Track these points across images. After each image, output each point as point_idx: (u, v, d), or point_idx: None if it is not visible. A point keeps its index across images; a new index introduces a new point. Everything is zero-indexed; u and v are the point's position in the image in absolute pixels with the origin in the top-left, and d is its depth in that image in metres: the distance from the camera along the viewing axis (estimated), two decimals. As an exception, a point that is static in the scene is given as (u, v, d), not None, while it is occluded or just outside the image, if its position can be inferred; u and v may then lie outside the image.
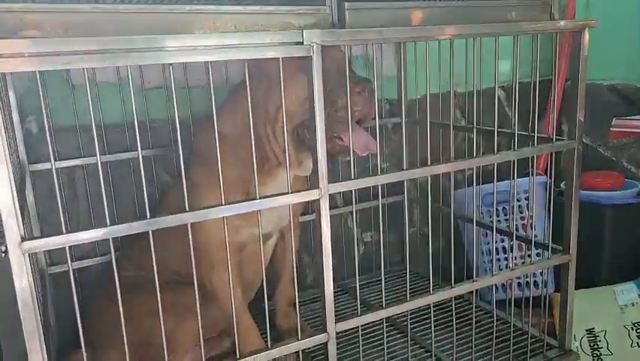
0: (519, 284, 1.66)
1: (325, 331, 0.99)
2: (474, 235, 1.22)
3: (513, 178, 1.21)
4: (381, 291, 1.07)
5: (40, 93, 0.72)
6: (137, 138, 0.78)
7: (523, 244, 1.35)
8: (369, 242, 1.77)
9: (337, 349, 1.02)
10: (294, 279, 0.98)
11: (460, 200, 1.66)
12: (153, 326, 0.98)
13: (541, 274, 1.64)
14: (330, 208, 0.96)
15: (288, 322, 1.39)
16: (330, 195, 0.93)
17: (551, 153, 1.29)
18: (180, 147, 0.84)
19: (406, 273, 1.15)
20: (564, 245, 1.25)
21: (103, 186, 0.77)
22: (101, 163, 0.77)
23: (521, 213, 1.68)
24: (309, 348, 1.19)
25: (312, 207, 1.44)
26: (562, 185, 1.61)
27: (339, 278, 1.64)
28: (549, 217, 1.26)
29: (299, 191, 0.93)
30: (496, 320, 1.26)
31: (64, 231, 0.74)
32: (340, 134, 1.05)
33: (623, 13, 1.87)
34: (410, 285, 1.12)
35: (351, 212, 1.67)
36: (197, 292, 0.88)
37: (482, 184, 1.49)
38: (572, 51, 1.16)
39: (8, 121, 1.07)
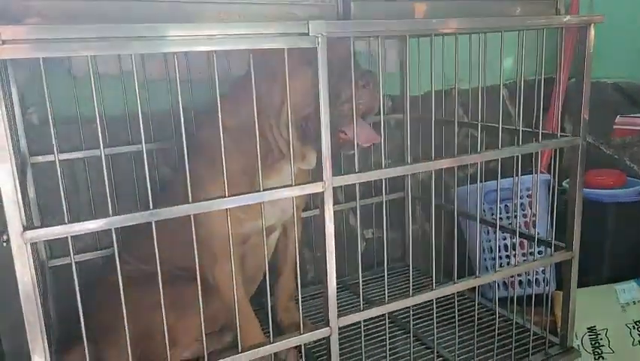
0: (520, 282, 1.66)
1: (328, 325, 0.98)
2: (477, 232, 1.22)
3: (517, 175, 1.20)
4: (382, 287, 1.07)
5: (44, 82, 0.72)
6: (142, 129, 0.77)
7: (525, 242, 1.35)
8: (371, 239, 1.77)
9: (339, 345, 1.01)
10: (297, 272, 0.98)
11: (462, 197, 1.66)
12: (154, 319, 0.97)
13: (543, 272, 1.64)
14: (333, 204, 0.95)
15: (288, 317, 1.38)
16: (332, 189, 0.93)
17: (554, 151, 1.28)
18: (184, 140, 0.83)
19: (406, 270, 1.15)
20: (567, 242, 1.24)
21: (105, 177, 0.76)
22: (104, 155, 0.76)
23: (524, 210, 1.67)
24: (310, 344, 1.19)
25: (315, 200, 1.43)
26: (564, 183, 1.61)
27: (340, 275, 1.63)
28: (551, 215, 1.26)
29: (303, 184, 0.92)
30: (498, 318, 1.26)
31: (66, 221, 0.73)
32: (344, 127, 1.04)
33: (627, 11, 1.86)
34: (412, 281, 1.11)
35: (353, 208, 1.67)
36: (199, 286, 0.88)
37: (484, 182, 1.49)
38: (577, 48, 1.15)
39: (10, 112, 1.06)
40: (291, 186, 0.91)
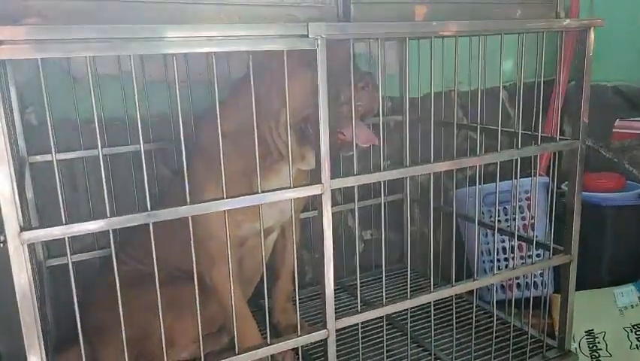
0: (518, 285, 1.66)
1: (325, 327, 0.98)
2: (475, 234, 1.22)
3: (516, 177, 1.20)
4: (380, 289, 1.07)
5: (42, 82, 0.71)
6: (140, 130, 0.77)
7: (524, 245, 1.35)
8: (369, 240, 1.76)
9: (336, 347, 1.01)
10: (295, 274, 0.97)
11: (461, 199, 1.66)
12: (151, 320, 0.97)
13: (541, 274, 1.64)
14: (331, 206, 0.95)
15: (286, 318, 1.38)
16: (330, 191, 0.93)
17: (553, 154, 1.28)
18: (182, 141, 0.83)
19: (404, 272, 1.15)
20: (565, 245, 1.24)
21: (104, 178, 0.76)
22: (102, 156, 0.76)
23: (522, 213, 1.67)
24: (307, 346, 1.19)
25: (313, 202, 1.43)
26: (563, 186, 1.61)
27: (338, 276, 1.63)
28: (550, 218, 1.26)
29: (301, 186, 0.92)
30: (496, 320, 1.26)
31: (63, 222, 0.73)
32: (342, 128, 1.04)
33: (627, 15, 1.86)
34: (410, 284, 1.11)
35: (351, 210, 1.66)
36: (196, 288, 0.88)
37: (483, 184, 1.48)
38: (577, 51, 1.15)
39: (8, 112, 1.06)
40: (289, 188, 0.90)
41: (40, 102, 1.11)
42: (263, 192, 0.88)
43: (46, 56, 0.67)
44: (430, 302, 1.12)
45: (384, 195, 1.06)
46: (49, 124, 0.73)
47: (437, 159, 1.04)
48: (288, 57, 0.85)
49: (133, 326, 0.97)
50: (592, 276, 1.66)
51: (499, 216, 1.64)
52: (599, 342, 1.53)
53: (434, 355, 1.27)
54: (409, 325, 1.16)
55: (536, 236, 1.27)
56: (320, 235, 0.93)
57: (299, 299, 1.00)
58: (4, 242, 0.67)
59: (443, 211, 1.57)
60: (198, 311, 0.88)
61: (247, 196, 0.87)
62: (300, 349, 1.02)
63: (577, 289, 1.28)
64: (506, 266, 1.61)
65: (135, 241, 1.22)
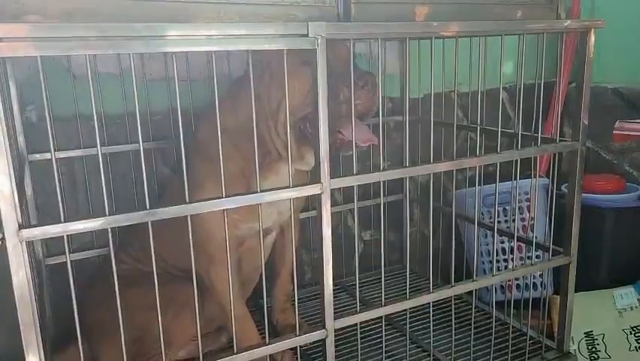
0: (518, 286, 1.66)
1: (324, 327, 0.98)
2: (474, 235, 1.22)
3: (515, 178, 1.20)
4: (379, 290, 1.06)
5: (42, 80, 0.71)
6: (139, 129, 0.77)
7: (523, 246, 1.34)
8: (369, 241, 1.76)
9: (335, 347, 1.01)
10: (294, 274, 0.97)
11: (461, 200, 1.66)
12: (149, 319, 0.97)
13: (540, 276, 1.64)
14: (330, 206, 0.95)
15: (285, 318, 1.38)
16: (330, 191, 0.92)
17: (553, 156, 1.28)
18: (181, 139, 0.83)
19: (403, 272, 1.15)
20: (565, 246, 1.24)
21: (102, 177, 0.76)
22: (101, 154, 0.76)
23: (522, 214, 1.67)
24: (306, 345, 1.18)
25: (313, 202, 1.43)
26: (563, 187, 1.61)
27: (338, 276, 1.63)
28: (550, 219, 1.25)
29: (300, 185, 0.92)
30: (495, 321, 1.25)
31: (62, 220, 0.73)
32: (342, 128, 1.04)
33: (629, 16, 1.86)
34: (409, 284, 1.11)
35: (351, 210, 1.66)
36: (195, 287, 0.88)
37: (483, 185, 1.48)
38: (578, 53, 1.15)
39: (8, 110, 1.06)
40: (288, 187, 0.90)
41: (40, 100, 1.12)
42: (262, 191, 0.88)
43: (46, 53, 0.67)
44: (429, 303, 1.12)
45: (384, 195, 1.06)
46: (48, 122, 0.73)
47: (437, 159, 1.04)
48: (287, 56, 0.85)
49: (132, 325, 0.97)
50: (591, 277, 1.66)
51: (498, 217, 1.63)
52: (598, 344, 1.53)
53: (433, 356, 1.27)
54: (408, 325, 1.16)
55: (536, 237, 1.27)
56: (319, 235, 0.93)
57: (298, 299, 1.00)
58: (3, 239, 0.67)
59: (443, 212, 1.57)
60: (197, 311, 0.88)
61: (246, 195, 0.87)
62: (298, 349, 1.02)
63: (576, 291, 1.28)
64: (506, 267, 1.61)
65: (134, 240, 1.22)
